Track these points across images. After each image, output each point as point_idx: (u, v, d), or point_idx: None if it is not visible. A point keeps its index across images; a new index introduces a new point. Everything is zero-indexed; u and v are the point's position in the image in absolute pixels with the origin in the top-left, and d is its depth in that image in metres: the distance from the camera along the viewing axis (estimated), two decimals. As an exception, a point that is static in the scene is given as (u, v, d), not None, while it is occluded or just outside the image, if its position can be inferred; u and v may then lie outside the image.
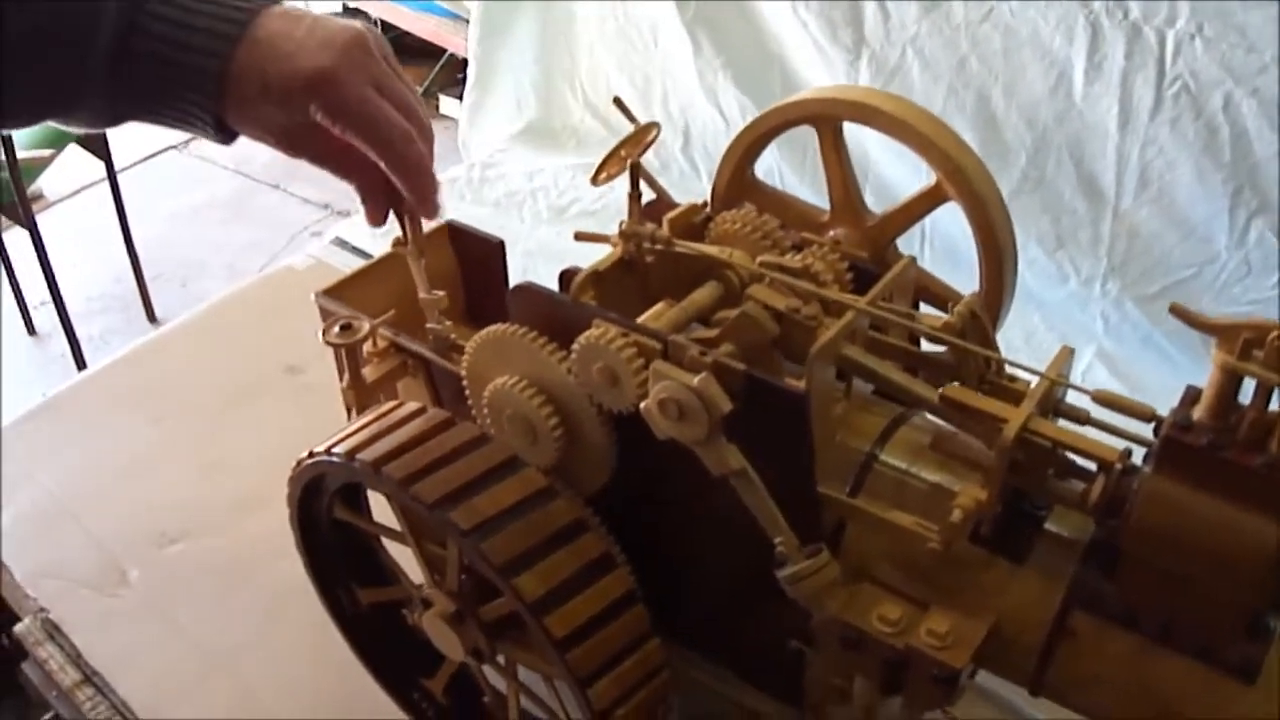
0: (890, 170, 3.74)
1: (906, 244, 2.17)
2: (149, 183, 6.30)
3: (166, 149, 6.64)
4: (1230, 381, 1.38)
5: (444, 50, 6.04)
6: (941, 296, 1.98)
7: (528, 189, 4.19)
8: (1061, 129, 3.53)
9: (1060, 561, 1.59)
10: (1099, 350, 3.44)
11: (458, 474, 1.74)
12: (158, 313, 5.36)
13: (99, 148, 4.97)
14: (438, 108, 6.44)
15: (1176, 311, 1.42)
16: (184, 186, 6.36)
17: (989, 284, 1.93)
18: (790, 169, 3.78)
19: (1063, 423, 1.63)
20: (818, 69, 3.85)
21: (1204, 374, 1.67)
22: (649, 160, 2.04)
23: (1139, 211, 3.49)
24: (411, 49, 5.82)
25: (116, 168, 5.10)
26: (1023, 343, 3.37)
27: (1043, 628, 1.59)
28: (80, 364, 4.79)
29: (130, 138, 6.17)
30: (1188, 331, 3.26)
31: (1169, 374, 3.25)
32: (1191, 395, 1.45)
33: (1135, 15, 3.30)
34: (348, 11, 5.91)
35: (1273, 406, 1.38)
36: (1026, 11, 3.45)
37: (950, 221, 2.44)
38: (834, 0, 3.74)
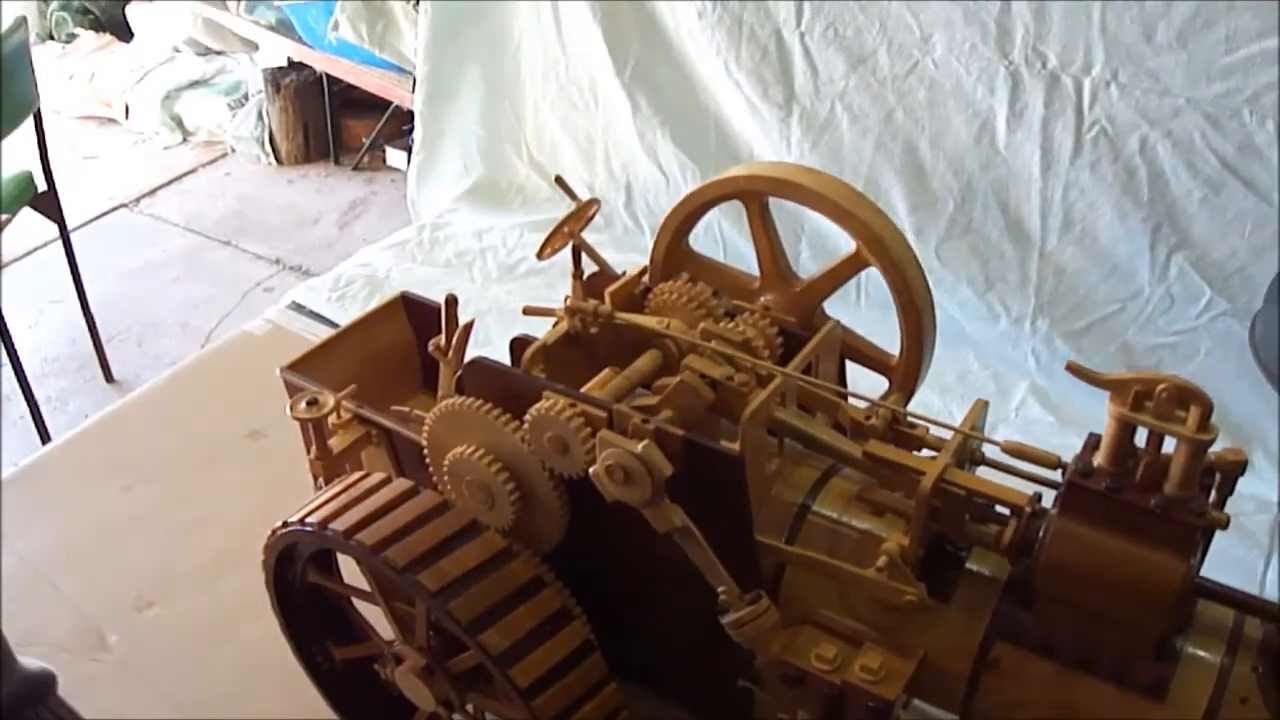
0: (826, 224, 3.87)
1: (844, 293, 2.29)
2: (102, 242, 6.35)
3: (117, 207, 6.71)
4: (1124, 430, 1.53)
5: (389, 103, 6.17)
6: (867, 354, 2.12)
7: (477, 248, 4.29)
8: (987, 175, 3.70)
9: (982, 598, 1.73)
10: (1031, 385, 3.58)
11: (424, 539, 1.87)
12: (115, 373, 5.42)
13: (52, 209, 5.01)
14: (384, 159, 6.54)
15: (1073, 370, 1.56)
16: (136, 245, 6.41)
17: (908, 339, 2.06)
18: (730, 225, 3.89)
19: (988, 470, 1.77)
20: (751, 126, 4.01)
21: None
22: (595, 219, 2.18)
23: (1064, 251, 3.65)
24: (357, 102, 5.87)
25: (69, 227, 5.18)
26: (956, 381, 3.51)
27: (968, 659, 1.73)
28: (40, 426, 4.84)
29: (82, 196, 6.24)
30: (1113, 363, 3.45)
31: (1098, 405, 3.35)
32: (1092, 442, 1.59)
33: (1053, 64, 3.47)
34: (292, 65, 6.01)
35: (1167, 450, 1.53)
36: (950, 64, 3.62)
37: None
38: (765, 59, 3.89)
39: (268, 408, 2.25)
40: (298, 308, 3.83)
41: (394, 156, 6.42)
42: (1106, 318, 3.60)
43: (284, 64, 6.02)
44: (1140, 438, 1.56)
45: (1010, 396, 3.48)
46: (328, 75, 5.84)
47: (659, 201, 4.11)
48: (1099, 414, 1.59)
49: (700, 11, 3.95)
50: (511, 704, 1.89)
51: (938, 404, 3.26)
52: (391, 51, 5.47)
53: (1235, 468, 1.58)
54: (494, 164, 4.67)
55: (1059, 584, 1.62)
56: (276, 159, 5.92)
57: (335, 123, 5.91)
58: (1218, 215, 3.40)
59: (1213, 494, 1.60)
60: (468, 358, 1.96)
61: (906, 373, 2.06)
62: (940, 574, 1.74)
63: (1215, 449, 1.58)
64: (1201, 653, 1.66)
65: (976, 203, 3.73)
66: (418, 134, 4.76)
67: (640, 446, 1.64)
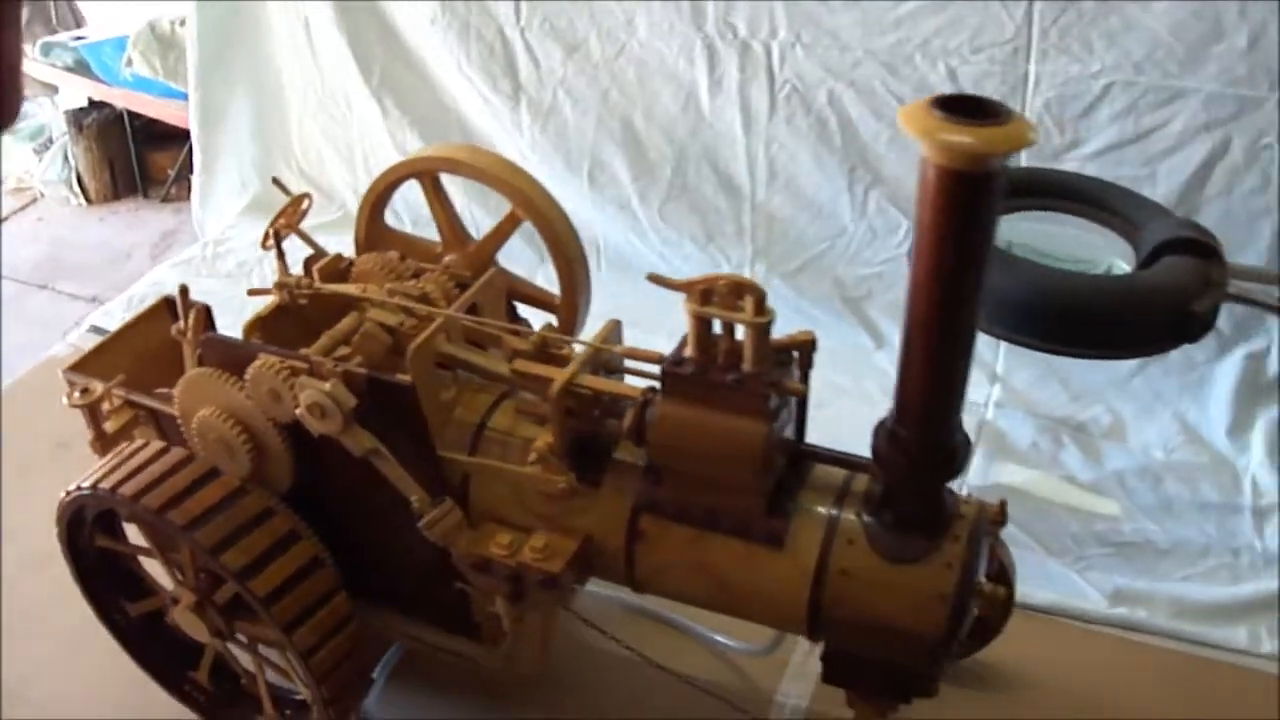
0: (566, 202, 4.20)
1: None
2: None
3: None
4: (701, 323, 1.87)
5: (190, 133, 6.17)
6: (534, 297, 2.48)
7: (255, 258, 4.57)
8: (696, 140, 4.07)
9: (627, 481, 2.07)
10: (756, 325, 3.92)
11: (174, 485, 2.21)
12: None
13: None
14: (190, 189, 6.61)
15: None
16: (-48, 295, 6.47)
17: (564, 282, 2.42)
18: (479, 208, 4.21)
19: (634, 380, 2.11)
20: (486, 117, 4.35)
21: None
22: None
23: (772, 201, 4.04)
24: (160, 135, 5.74)
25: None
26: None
27: (621, 533, 2.07)
28: None
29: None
30: (828, 297, 3.85)
31: (820, 335, 3.78)
32: (684, 340, 1.93)
33: (743, 33, 3.84)
34: (93, 105, 6.03)
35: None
36: (653, 43, 3.98)
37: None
38: (492, 55, 4.23)
39: (73, 421, 2.52)
40: (97, 330, 4.13)
41: (199, 184, 6.54)
42: (817, 256, 4.00)
43: (84, 104, 5.98)
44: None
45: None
46: (128, 111, 5.81)
47: (415, 195, 4.41)
48: (821, 344, 1.96)
49: (432, 18, 4.28)
50: (266, 624, 2.22)
51: (667, 347, 3.60)
52: (185, 82, 5.58)
53: (808, 346, 1.94)
54: (268, 178, 4.83)
55: (669, 457, 1.97)
56: (86, 198, 5.86)
57: (140, 157, 5.80)
58: (905, 153, 3.77)
59: (795, 369, 1.95)
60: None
61: (568, 309, 2.41)
62: (592, 464, 2.08)
63: (789, 331, 1.94)
64: (814, 506, 2.01)
65: (690, 165, 4.11)
66: (196, 157, 5.00)
67: (329, 385, 1.97)
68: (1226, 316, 3.60)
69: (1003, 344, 3.79)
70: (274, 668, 2.47)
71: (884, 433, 1.89)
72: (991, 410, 3.68)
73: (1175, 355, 3.67)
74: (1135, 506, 3.35)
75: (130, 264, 5.48)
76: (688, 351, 1.90)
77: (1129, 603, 3.03)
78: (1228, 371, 3.68)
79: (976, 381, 3.69)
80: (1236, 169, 3.49)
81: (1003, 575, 2.50)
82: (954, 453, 1.87)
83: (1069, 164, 3.59)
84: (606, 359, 2.11)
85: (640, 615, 2.86)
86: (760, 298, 1.82)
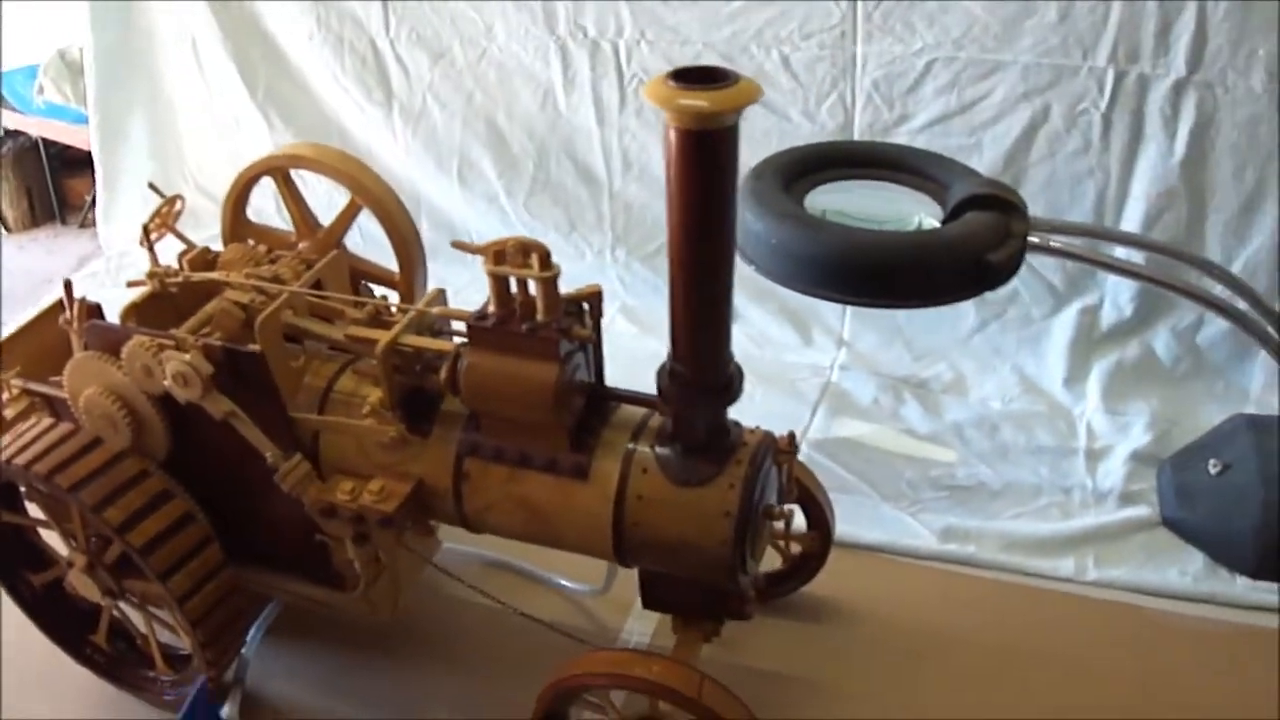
0: (440, 200, 4.60)
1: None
2: None
3: None
4: (497, 281, 2.13)
5: (95, 155, 6.27)
6: (377, 275, 2.74)
7: (157, 269, 4.77)
8: (555, 135, 4.35)
9: (452, 429, 2.33)
10: (622, 306, 4.26)
11: (61, 454, 2.45)
12: None
13: None
14: None
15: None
16: None
17: (400, 260, 2.69)
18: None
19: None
20: (363, 124, 4.63)
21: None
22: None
23: (628, 189, 4.32)
24: (75, 161, 5.74)
25: None
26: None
27: (449, 476, 2.33)
28: None
29: None
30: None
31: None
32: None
33: (593, 34, 4.12)
34: (8, 134, 6.02)
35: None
36: (511, 47, 4.26)
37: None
38: (365, 66, 4.51)
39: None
40: (6, 340, 4.33)
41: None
42: (672, 238, 4.25)
43: (0, 133, 6.01)
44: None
45: (606, 316, 4.06)
46: (43, 139, 5.71)
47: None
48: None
49: (309, 34, 4.56)
50: (148, 577, 2.46)
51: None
52: (91, 106, 5.69)
53: (597, 297, 2.21)
54: (167, 194, 5.11)
55: (480, 403, 2.24)
56: (5, 227, 5.83)
57: (57, 183, 5.80)
58: (743, 134, 3.92)
59: (587, 319, 2.22)
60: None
61: (406, 284, 2.69)
62: (423, 416, 2.35)
63: (578, 286, 2.20)
64: (613, 441, 2.28)
65: (551, 159, 4.39)
66: (98, 176, 5.22)
67: (188, 356, 2.23)
68: (1059, 273, 3.90)
69: (849, 312, 4.08)
70: (165, 626, 2.71)
71: (664, 371, 2.16)
72: (837, 373, 3.94)
73: (1013, 312, 3.98)
74: (971, 453, 3.59)
75: (51, 289, 5.52)
76: (490, 307, 2.16)
77: (959, 539, 3.26)
78: (1064, 325, 3.95)
79: (823, 347, 4.00)
80: (1058, 134, 3.76)
81: (812, 503, 2.78)
82: (729, 382, 2.15)
83: (899, 138, 3.86)
84: (431, 322, 2.36)
85: (496, 568, 3.12)
86: (545, 254, 2.08)
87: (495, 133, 4.43)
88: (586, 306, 2.23)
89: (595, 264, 4.38)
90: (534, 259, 2.08)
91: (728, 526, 2.19)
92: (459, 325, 2.33)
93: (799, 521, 2.86)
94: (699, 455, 2.21)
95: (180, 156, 5.25)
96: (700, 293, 2.03)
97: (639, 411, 2.34)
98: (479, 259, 2.14)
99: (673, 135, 1.85)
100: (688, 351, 2.10)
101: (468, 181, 4.52)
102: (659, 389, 2.18)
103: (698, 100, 1.78)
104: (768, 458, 2.27)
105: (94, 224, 5.40)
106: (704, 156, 1.87)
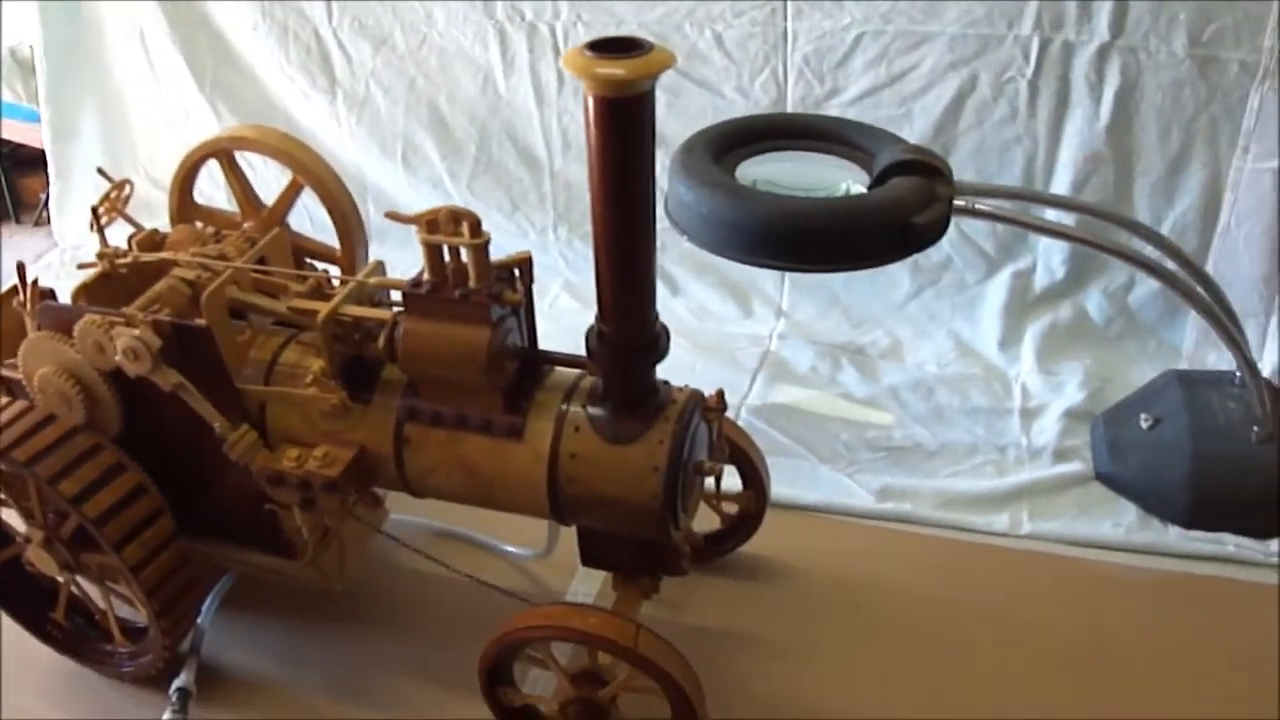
0: (385, 184, 4.68)
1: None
2: None
3: None
4: (431, 249, 2.21)
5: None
6: (318, 251, 2.83)
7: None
8: (496, 118, 4.44)
9: (393, 396, 2.42)
10: (565, 282, 4.34)
11: (16, 430, 2.53)
12: None
13: None
14: None
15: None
16: None
17: (341, 236, 2.78)
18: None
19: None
20: (308, 112, 4.70)
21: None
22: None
23: (569, 168, 4.40)
24: (28, 159, 5.79)
25: None
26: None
27: (390, 442, 2.42)
28: None
29: None
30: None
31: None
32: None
33: (530, 16, 4.21)
34: None
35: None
36: (451, 32, 4.34)
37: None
38: (309, 55, 4.58)
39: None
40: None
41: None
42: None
43: None
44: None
45: (547, 295, 4.22)
46: None
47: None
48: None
49: (254, 25, 4.63)
50: (99, 542, 2.53)
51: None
52: (43, 101, 5.71)
53: (526, 263, 2.30)
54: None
55: (417, 368, 2.32)
56: None
57: (10, 182, 5.90)
58: (680, 112, 4.13)
59: (518, 284, 2.30)
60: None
61: (346, 258, 2.77)
62: (364, 384, 2.43)
63: (515, 256, 2.29)
64: (547, 402, 2.37)
65: (492, 142, 4.48)
66: (51, 170, 5.26)
67: (137, 331, 2.30)
68: (991, 239, 4.00)
69: (787, 281, 4.16)
70: (122, 599, 2.78)
71: (592, 332, 2.25)
72: (775, 342, 4.04)
73: (948, 278, 4.07)
74: (908, 416, 3.69)
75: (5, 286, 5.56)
76: (426, 275, 2.25)
77: (895, 498, 3.35)
78: (997, 289, 4.05)
79: (762, 317, 4.09)
80: (985, 103, 3.85)
81: (746, 462, 2.87)
82: (654, 341, 2.24)
83: (831, 111, 3.94)
84: (370, 293, 2.45)
85: (443, 537, 3.21)
86: (475, 222, 2.17)
87: (437, 117, 4.51)
88: (517, 273, 2.30)
89: (538, 242, 4.46)
90: (465, 227, 2.17)
91: (657, 481, 2.28)
92: (397, 295, 2.39)
93: (735, 481, 2.94)
94: (628, 413, 2.30)
95: (132, 148, 5.29)
96: (623, 255, 2.12)
97: (571, 373, 2.43)
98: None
99: (591, 103, 1.93)
100: (613, 312, 2.19)
101: (412, 165, 4.60)
102: (587, 349, 2.28)
103: (614, 69, 1.86)
104: (695, 415, 2.36)
105: (48, 222, 5.43)
106: (621, 122, 1.95)
